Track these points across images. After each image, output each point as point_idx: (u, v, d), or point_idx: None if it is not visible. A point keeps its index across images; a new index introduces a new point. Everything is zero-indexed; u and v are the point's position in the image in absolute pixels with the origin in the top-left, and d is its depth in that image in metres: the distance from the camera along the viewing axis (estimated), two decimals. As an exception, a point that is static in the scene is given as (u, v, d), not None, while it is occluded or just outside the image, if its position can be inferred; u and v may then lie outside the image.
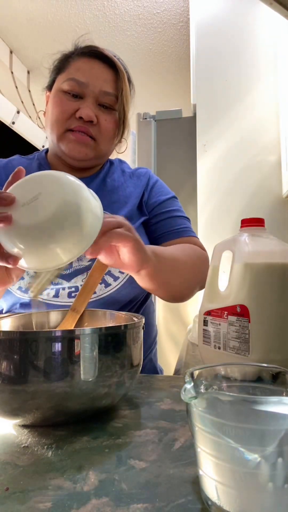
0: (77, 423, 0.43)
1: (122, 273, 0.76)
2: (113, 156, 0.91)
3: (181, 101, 2.80)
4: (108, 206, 0.80)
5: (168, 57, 2.59)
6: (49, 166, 0.85)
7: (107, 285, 0.75)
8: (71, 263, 0.73)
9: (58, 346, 0.40)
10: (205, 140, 1.58)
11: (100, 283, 0.74)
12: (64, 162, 0.81)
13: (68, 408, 0.41)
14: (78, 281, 0.73)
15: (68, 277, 0.73)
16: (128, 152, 1.81)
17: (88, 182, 0.83)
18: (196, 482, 0.30)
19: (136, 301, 0.81)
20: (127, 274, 0.75)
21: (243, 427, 0.24)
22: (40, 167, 0.84)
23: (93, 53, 0.78)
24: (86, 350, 0.40)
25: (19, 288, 0.73)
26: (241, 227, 0.65)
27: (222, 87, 1.58)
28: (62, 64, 0.80)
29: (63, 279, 0.73)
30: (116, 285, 0.75)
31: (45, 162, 0.85)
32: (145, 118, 1.69)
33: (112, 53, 0.80)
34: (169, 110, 1.71)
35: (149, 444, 0.38)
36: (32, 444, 0.38)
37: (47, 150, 0.89)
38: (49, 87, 0.82)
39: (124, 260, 0.56)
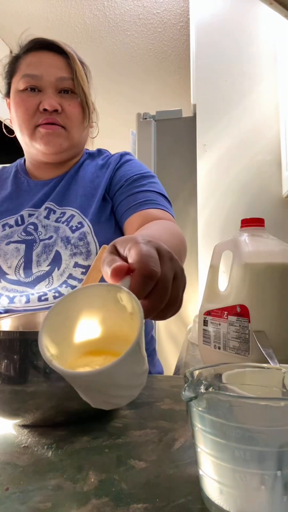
0: (77, 423, 0.43)
1: None
2: (88, 143, 0.90)
3: (181, 101, 2.80)
4: (75, 198, 0.79)
5: (168, 57, 2.59)
6: (26, 172, 0.86)
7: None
8: (31, 269, 0.73)
9: (58, 346, 0.40)
10: (205, 140, 1.58)
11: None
12: (41, 162, 0.82)
13: (68, 408, 0.41)
14: (42, 288, 0.73)
15: (31, 285, 0.73)
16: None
17: (57, 180, 0.82)
18: (196, 482, 0.30)
19: None
20: None
21: (243, 427, 0.24)
22: (17, 174, 0.86)
23: (38, 45, 0.77)
24: (86, 350, 0.40)
25: None
26: (241, 227, 0.65)
27: (222, 87, 1.58)
28: (13, 67, 0.80)
29: (27, 287, 0.73)
30: None
31: (22, 169, 0.86)
32: (145, 118, 1.69)
33: (57, 40, 0.78)
34: (169, 110, 1.71)
35: (149, 444, 0.38)
36: (32, 444, 0.38)
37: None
38: (7, 94, 0.82)
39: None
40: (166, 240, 0.51)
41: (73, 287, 0.73)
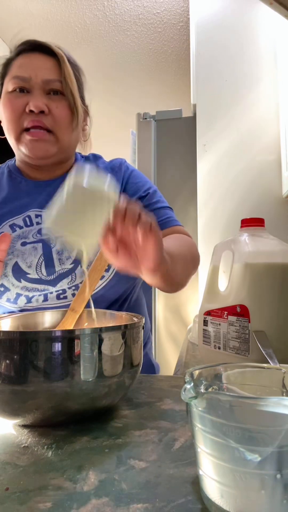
0: (77, 423, 0.43)
1: (107, 271, 0.75)
2: (87, 143, 0.89)
3: (181, 101, 2.80)
4: None
5: (168, 57, 2.59)
6: (19, 171, 0.85)
7: None
8: (53, 267, 0.74)
9: (58, 346, 0.40)
10: (205, 140, 1.58)
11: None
12: (31, 165, 0.81)
13: (68, 408, 0.41)
14: (64, 285, 0.73)
15: (53, 283, 0.73)
16: (128, 152, 1.81)
17: (60, 182, 0.81)
18: (196, 482, 0.30)
19: (124, 298, 0.81)
20: (112, 272, 0.75)
21: (243, 427, 0.24)
22: (10, 174, 0.85)
23: (29, 47, 0.77)
24: (86, 350, 0.40)
25: (8, 300, 0.73)
26: (241, 227, 0.65)
27: (222, 87, 1.58)
28: (5, 69, 0.79)
29: (48, 285, 0.73)
30: (102, 283, 0.75)
31: (14, 168, 0.86)
32: (145, 118, 1.69)
33: (49, 42, 0.79)
34: (169, 110, 1.71)
35: (149, 444, 0.38)
36: (32, 444, 0.38)
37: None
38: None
39: (145, 259, 0.49)
40: (174, 246, 0.69)
41: None
